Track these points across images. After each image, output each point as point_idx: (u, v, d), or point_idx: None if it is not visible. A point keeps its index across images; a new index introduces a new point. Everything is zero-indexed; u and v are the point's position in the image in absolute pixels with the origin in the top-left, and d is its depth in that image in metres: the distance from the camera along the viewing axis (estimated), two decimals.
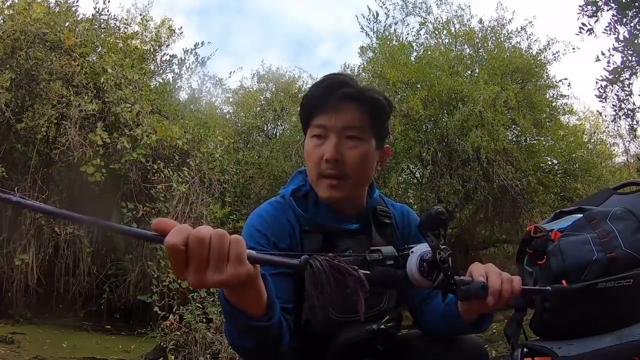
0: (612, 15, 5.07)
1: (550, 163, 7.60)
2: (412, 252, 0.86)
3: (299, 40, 27.49)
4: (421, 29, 8.26)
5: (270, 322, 0.82)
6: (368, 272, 0.76)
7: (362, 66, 8.32)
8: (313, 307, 0.67)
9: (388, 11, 7.98)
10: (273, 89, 10.32)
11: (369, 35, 7.99)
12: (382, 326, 1.07)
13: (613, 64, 5.18)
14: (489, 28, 7.93)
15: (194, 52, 6.75)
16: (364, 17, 7.94)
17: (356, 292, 0.70)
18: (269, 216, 1.13)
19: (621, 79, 5.24)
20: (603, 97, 5.39)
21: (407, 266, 0.84)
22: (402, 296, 1.18)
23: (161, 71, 7.06)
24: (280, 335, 0.90)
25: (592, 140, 8.75)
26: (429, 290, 1.19)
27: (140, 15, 7.58)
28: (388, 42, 7.75)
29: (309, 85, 10.03)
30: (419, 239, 1.19)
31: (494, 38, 7.84)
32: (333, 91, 1.07)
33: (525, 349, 1.20)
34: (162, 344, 4.31)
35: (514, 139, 7.39)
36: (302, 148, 1.23)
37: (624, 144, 11.25)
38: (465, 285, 0.89)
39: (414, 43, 8.11)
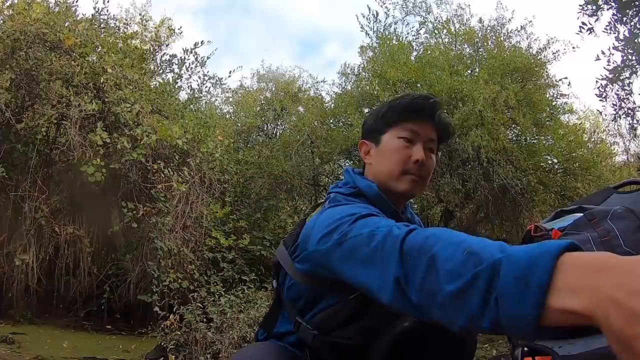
0: (612, 15, 5.08)
1: (550, 162, 7.60)
2: None
3: (305, 40, 27.47)
4: (421, 29, 8.26)
5: None
6: None
7: (362, 66, 8.33)
8: None
9: (388, 10, 7.98)
10: (273, 89, 10.32)
11: (368, 34, 7.99)
12: None
13: (613, 63, 5.19)
14: (488, 27, 7.93)
15: (193, 51, 6.74)
16: (363, 17, 7.94)
17: None
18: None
19: (621, 78, 5.24)
20: (603, 96, 5.40)
21: None
22: None
23: (161, 71, 7.05)
24: None
25: (592, 140, 8.77)
26: None
27: (140, 15, 7.59)
28: (388, 42, 7.74)
29: (309, 85, 10.03)
30: None
31: (493, 37, 7.83)
32: (436, 109, 1.23)
33: (525, 348, 1.20)
34: (162, 343, 4.32)
35: (514, 138, 7.39)
36: (361, 147, 1.30)
37: (624, 143, 11.24)
38: None
39: (414, 42, 8.11)
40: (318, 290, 1.11)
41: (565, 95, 7.92)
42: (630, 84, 5.33)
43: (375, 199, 1.15)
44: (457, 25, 8.11)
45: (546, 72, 7.75)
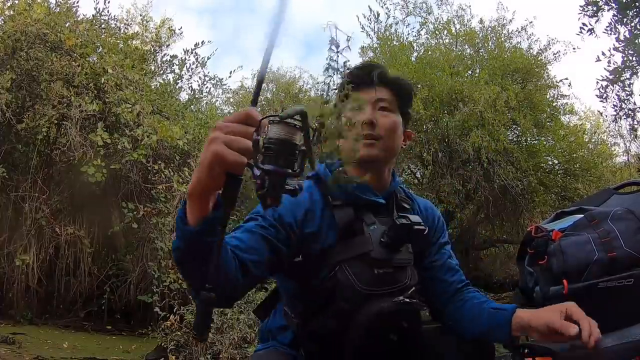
0: (613, 15, 5.07)
1: (550, 163, 7.61)
2: None
3: (310, 40, 27.49)
4: (422, 29, 8.28)
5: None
6: None
7: None
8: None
9: (389, 11, 7.99)
10: (273, 89, 10.33)
11: (369, 35, 8.00)
12: (407, 300, 1.12)
13: (614, 64, 5.18)
14: (489, 28, 7.94)
15: (194, 52, 6.73)
16: (364, 17, 7.95)
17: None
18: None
19: (622, 79, 5.23)
20: (604, 97, 5.39)
21: None
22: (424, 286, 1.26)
23: (162, 72, 7.05)
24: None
25: (593, 140, 8.77)
26: (454, 289, 1.29)
27: (141, 15, 7.59)
28: (389, 42, 7.75)
29: (309, 86, 10.10)
30: (443, 235, 1.36)
31: (494, 38, 7.84)
32: (370, 72, 1.24)
33: (526, 350, 1.20)
34: (162, 344, 4.31)
35: (514, 139, 7.40)
36: None
37: (624, 143, 11.20)
38: None
39: (415, 43, 8.12)
40: (276, 277, 1.23)
41: (566, 96, 7.96)
42: (631, 85, 5.32)
43: (332, 182, 1.11)
44: (458, 26, 8.13)
45: (547, 72, 7.78)
